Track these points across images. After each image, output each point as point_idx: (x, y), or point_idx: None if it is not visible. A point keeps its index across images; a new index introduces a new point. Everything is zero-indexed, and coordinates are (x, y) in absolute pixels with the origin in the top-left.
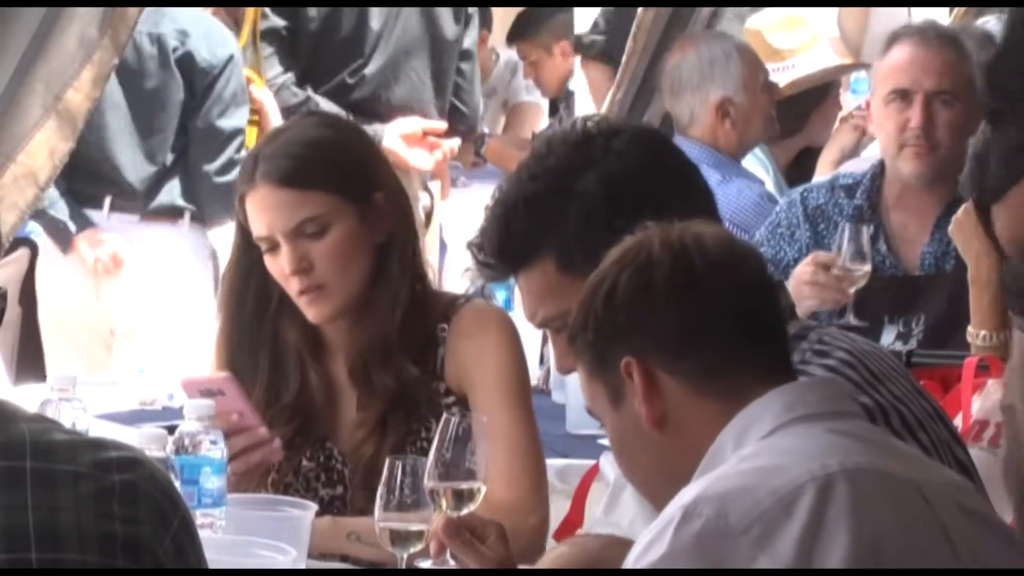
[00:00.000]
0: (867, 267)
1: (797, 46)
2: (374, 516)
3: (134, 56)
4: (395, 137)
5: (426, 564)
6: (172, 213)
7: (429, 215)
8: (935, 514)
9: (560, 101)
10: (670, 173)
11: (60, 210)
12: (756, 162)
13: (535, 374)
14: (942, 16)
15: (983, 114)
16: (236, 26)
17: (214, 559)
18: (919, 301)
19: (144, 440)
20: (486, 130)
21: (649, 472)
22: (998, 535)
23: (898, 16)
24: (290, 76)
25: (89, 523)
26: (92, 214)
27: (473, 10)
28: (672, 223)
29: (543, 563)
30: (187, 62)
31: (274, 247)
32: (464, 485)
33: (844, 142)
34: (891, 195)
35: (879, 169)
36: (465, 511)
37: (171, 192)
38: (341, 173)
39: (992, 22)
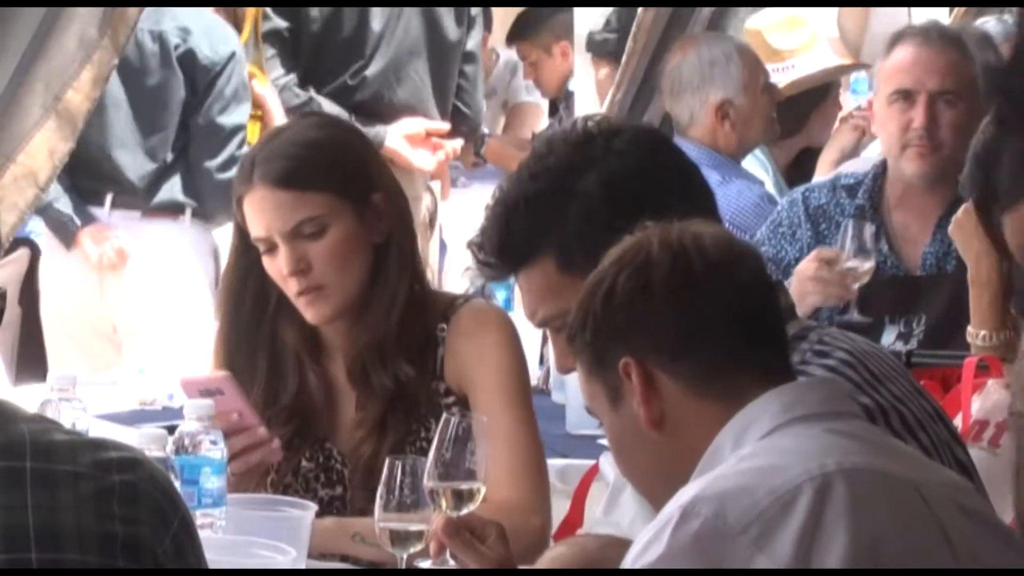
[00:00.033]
0: (870, 263)
1: (797, 46)
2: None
3: (136, 54)
4: (398, 137)
5: (426, 564)
6: (173, 209)
7: (433, 217)
8: (934, 514)
9: (560, 101)
10: (670, 173)
11: (64, 205)
12: (756, 163)
13: (535, 374)
14: (942, 16)
15: (992, 119)
16: (236, 27)
17: (214, 559)
18: (920, 301)
19: (144, 440)
20: (486, 130)
21: (648, 472)
22: (997, 535)
23: (898, 16)
24: (292, 77)
25: (89, 523)
26: (94, 211)
27: (477, 12)
28: (672, 223)
29: (541, 563)
30: (189, 59)
31: (272, 248)
32: (464, 485)
33: (844, 142)
34: (893, 195)
35: (881, 169)
36: (465, 511)
37: (172, 188)
38: (339, 174)
39: (992, 22)
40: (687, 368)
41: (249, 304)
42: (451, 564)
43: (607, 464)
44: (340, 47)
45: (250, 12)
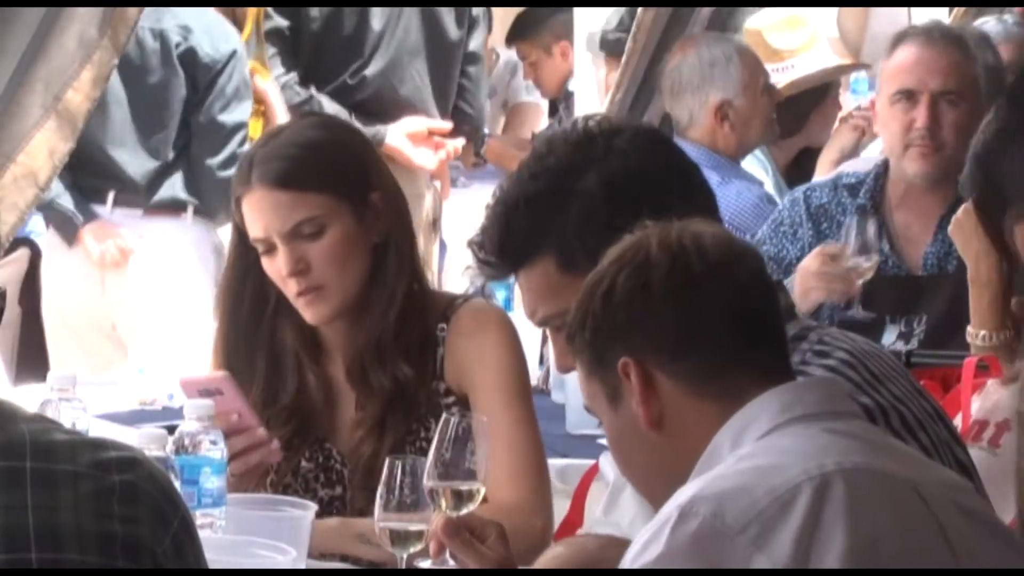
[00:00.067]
0: (874, 259)
1: (797, 46)
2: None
3: (137, 52)
4: (400, 136)
5: (426, 564)
6: (175, 207)
7: (437, 217)
8: (932, 513)
9: (560, 101)
10: (671, 172)
11: (66, 202)
12: (756, 163)
13: (535, 374)
14: (941, 17)
15: (992, 118)
16: (236, 25)
17: (214, 559)
18: (921, 301)
19: (144, 440)
20: (486, 130)
21: (647, 472)
22: (996, 534)
23: (898, 16)
24: (293, 76)
25: (89, 523)
26: (96, 209)
27: (481, 13)
28: (671, 223)
29: (540, 563)
30: (190, 57)
31: (271, 249)
32: (463, 485)
33: (843, 142)
34: (895, 195)
35: (883, 168)
36: (464, 511)
37: (174, 186)
38: (337, 174)
39: (992, 22)
40: (686, 368)
41: (248, 304)
42: (451, 564)
43: (607, 464)
44: (340, 46)
45: (251, 9)
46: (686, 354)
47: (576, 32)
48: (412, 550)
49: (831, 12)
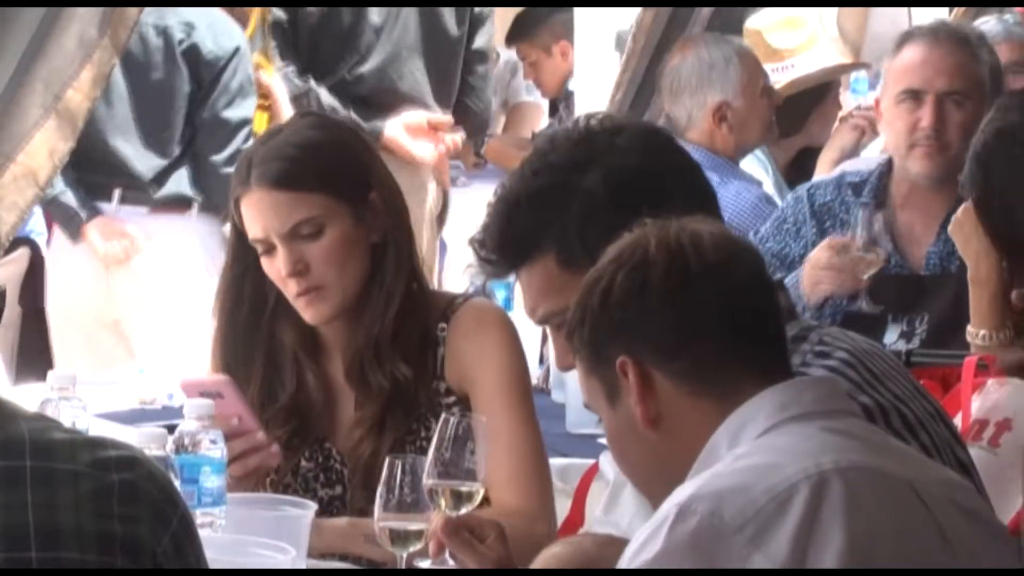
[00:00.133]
0: (882, 252)
1: (796, 46)
2: (374, 516)
3: (140, 48)
4: (398, 127)
5: (425, 564)
6: (181, 204)
7: (443, 212)
8: (930, 512)
9: (560, 101)
10: (673, 171)
11: (70, 199)
12: (756, 162)
13: (535, 373)
14: (941, 16)
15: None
16: (241, 22)
17: (214, 558)
18: (923, 301)
19: (144, 439)
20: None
21: (645, 470)
22: (995, 534)
23: (898, 16)
24: (292, 67)
25: (88, 522)
26: (102, 206)
27: (489, 11)
28: (671, 221)
29: (538, 562)
30: (193, 54)
31: (270, 249)
32: (463, 485)
33: (844, 142)
34: (899, 194)
35: (886, 168)
36: (464, 511)
37: (179, 183)
38: (335, 174)
39: (992, 22)
40: (683, 367)
41: (247, 305)
42: (450, 564)
43: (607, 463)
44: (338, 41)
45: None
46: (684, 353)
47: (576, 32)
48: (412, 549)
49: (831, 12)
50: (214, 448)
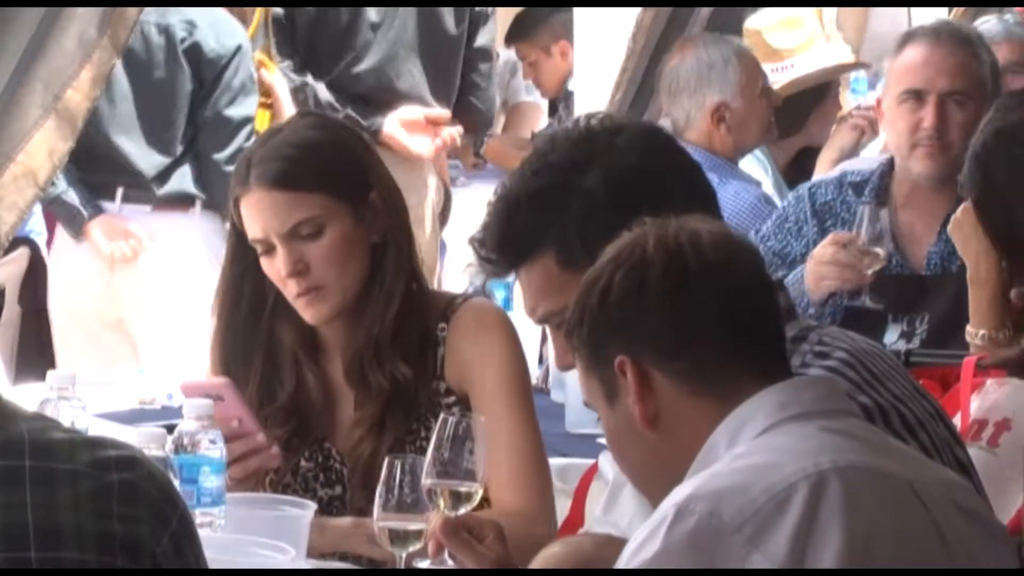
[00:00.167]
0: (885, 248)
1: (796, 46)
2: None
3: (142, 47)
4: (396, 123)
5: (424, 564)
6: (184, 201)
7: (446, 210)
8: (929, 512)
9: (560, 101)
10: (673, 171)
11: (72, 197)
12: (755, 162)
13: (534, 373)
14: (942, 16)
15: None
16: (242, 21)
17: (213, 558)
18: (924, 301)
19: (143, 439)
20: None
21: (644, 469)
22: (994, 534)
23: (898, 16)
24: (288, 63)
25: (88, 522)
26: (105, 205)
27: (490, 9)
28: (669, 220)
29: (536, 562)
30: (195, 52)
31: (270, 249)
32: (462, 485)
33: (843, 142)
34: (900, 194)
35: (888, 167)
36: (463, 511)
37: (182, 180)
38: (335, 174)
39: (992, 22)
40: (682, 367)
41: (246, 305)
42: (449, 564)
43: (606, 463)
44: (336, 38)
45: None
46: (682, 353)
47: (576, 32)
48: (411, 549)
49: (831, 12)
50: (213, 448)
